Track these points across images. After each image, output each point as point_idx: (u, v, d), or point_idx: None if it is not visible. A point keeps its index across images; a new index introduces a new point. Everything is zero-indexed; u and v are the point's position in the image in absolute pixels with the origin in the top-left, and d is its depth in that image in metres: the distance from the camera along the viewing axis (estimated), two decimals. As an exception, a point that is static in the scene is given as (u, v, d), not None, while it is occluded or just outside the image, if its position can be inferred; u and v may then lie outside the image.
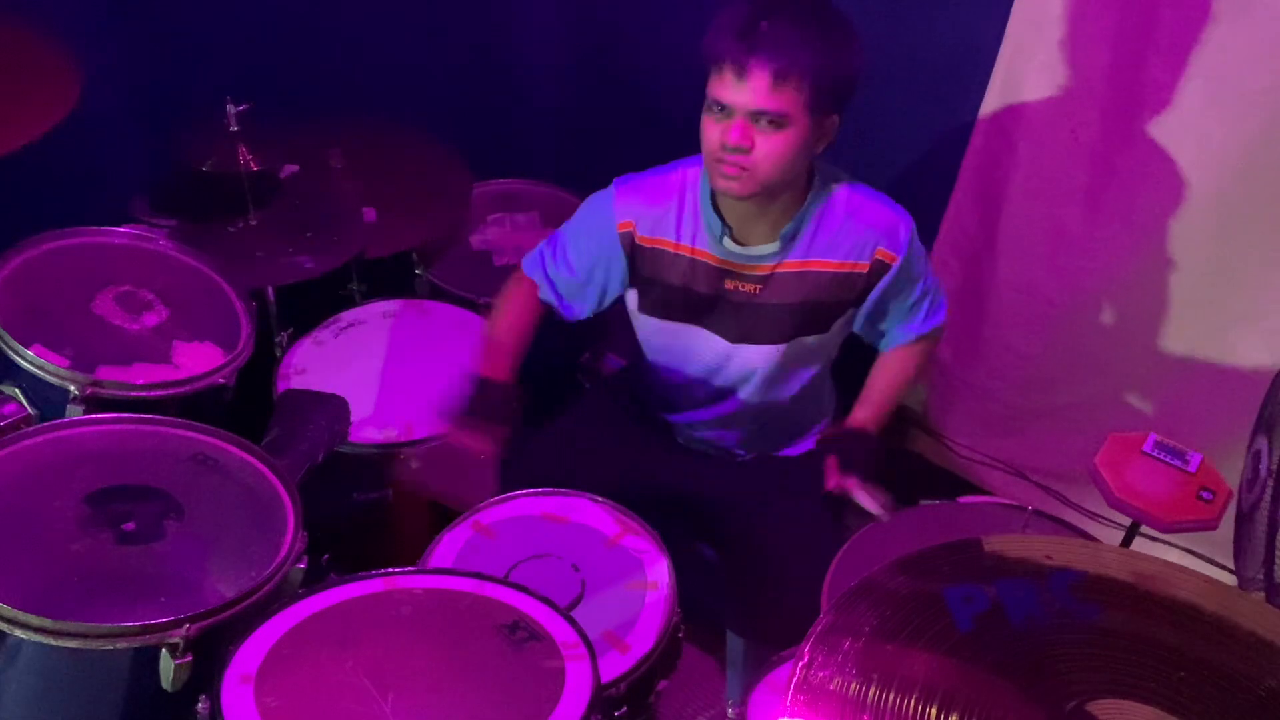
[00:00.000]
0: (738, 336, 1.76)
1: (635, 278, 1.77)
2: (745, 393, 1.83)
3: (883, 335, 1.84)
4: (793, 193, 1.64)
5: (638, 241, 1.73)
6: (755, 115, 1.52)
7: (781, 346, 1.76)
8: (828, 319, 1.75)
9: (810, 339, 1.77)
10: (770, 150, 1.53)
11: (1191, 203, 2.00)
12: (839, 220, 1.68)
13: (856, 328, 1.81)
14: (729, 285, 1.72)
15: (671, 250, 1.72)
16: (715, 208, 1.67)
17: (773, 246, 1.68)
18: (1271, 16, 1.79)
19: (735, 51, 1.49)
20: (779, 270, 1.70)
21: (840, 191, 1.69)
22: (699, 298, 1.74)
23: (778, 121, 1.52)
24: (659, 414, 1.96)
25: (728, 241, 1.68)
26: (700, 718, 1.99)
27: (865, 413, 1.80)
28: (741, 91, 1.51)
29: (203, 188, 2.05)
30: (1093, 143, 2.07)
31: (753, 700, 1.53)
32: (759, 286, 1.71)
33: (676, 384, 1.87)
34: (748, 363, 1.79)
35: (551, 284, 1.83)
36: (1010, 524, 1.71)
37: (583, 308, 1.84)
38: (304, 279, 2.01)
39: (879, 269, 1.70)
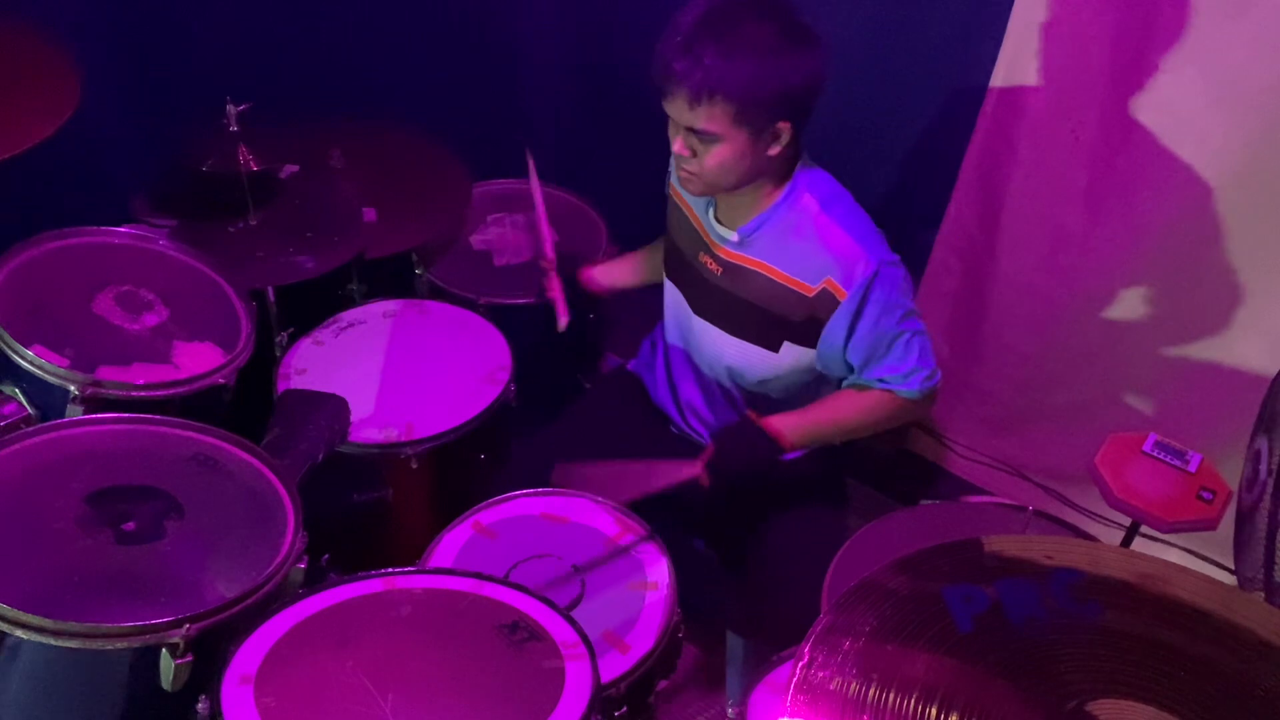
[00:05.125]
0: (699, 309, 1.81)
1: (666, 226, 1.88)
2: (727, 381, 1.83)
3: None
4: (758, 192, 1.66)
5: (669, 191, 1.84)
6: (688, 130, 1.57)
7: (739, 342, 1.75)
8: (776, 335, 1.71)
9: (762, 351, 1.73)
10: (709, 160, 1.59)
11: (1191, 203, 2.00)
12: (803, 235, 1.65)
13: (821, 368, 1.73)
14: (702, 257, 1.78)
15: (683, 208, 1.81)
16: None
17: (733, 235, 1.71)
18: (1271, 16, 1.79)
19: (660, 72, 1.55)
20: (734, 260, 1.73)
21: (815, 208, 1.65)
22: (684, 260, 1.82)
23: (706, 138, 1.56)
24: (661, 397, 1.98)
25: (711, 214, 1.74)
26: (700, 718, 1.99)
27: (788, 421, 1.70)
28: (671, 109, 1.57)
29: (203, 188, 2.05)
30: (1093, 143, 2.07)
31: (753, 700, 1.53)
32: (721, 269, 1.75)
33: (672, 347, 1.92)
34: (714, 343, 1.79)
35: None
36: (1010, 524, 1.70)
37: None
38: (304, 279, 2.01)
39: (825, 301, 1.62)
